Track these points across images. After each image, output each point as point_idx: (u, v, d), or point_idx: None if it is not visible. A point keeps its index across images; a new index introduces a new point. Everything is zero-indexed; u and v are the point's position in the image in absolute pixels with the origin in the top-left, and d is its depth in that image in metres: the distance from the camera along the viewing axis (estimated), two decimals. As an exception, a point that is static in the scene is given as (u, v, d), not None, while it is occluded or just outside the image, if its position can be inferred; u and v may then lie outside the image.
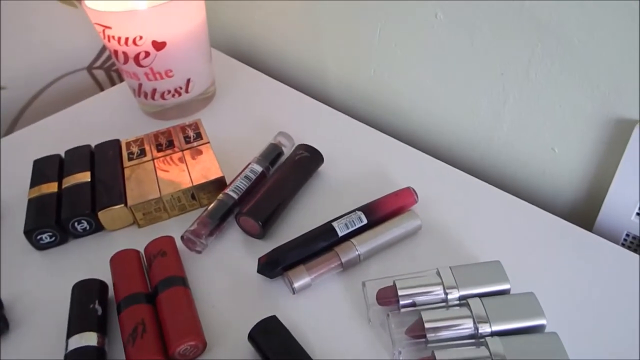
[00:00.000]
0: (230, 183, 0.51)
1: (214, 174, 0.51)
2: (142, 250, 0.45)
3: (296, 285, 0.42)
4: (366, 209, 0.47)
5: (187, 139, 0.56)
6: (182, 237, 0.47)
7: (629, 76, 0.39)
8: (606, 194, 0.45)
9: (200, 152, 0.54)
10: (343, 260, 0.43)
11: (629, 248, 0.46)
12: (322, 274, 0.43)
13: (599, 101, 0.42)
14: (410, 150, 0.56)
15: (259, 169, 0.52)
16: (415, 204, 0.48)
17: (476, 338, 0.36)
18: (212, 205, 0.49)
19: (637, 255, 0.43)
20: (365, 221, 0.46)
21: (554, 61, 0.44)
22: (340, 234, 0.45)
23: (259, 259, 0.44)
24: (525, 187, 0.53)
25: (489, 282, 0.39)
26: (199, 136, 0.56)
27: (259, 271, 0.44)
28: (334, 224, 0.45)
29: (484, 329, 0.36)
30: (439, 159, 0.54)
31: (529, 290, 0.38)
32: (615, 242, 0.46)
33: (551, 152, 0.48)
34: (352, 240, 0.45)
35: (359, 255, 0.44)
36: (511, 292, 0.39)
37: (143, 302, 0.40)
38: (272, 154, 0.55)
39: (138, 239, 0.48)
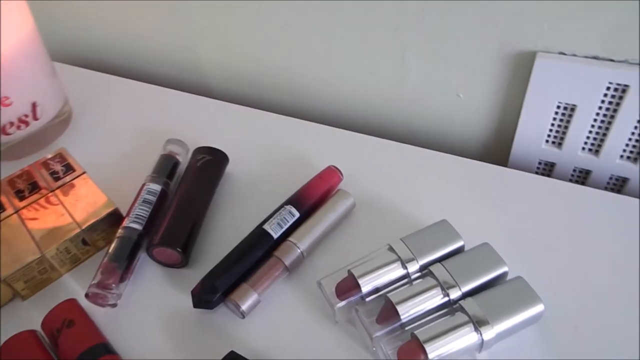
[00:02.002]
0: (128, 213, 0.43)
1: (104, 208, 0.42)
2: (38, 328, 0.36)
3: (244, 307, 0.36)
4: (294, 201, 0.42)
5: (55, 175, 0.46)
6: (86, 295, 0.38)
7: (524, 7, 0.40)
8: (516, 128, 0.46)
9: (77, 187, 0.44)
10: (287, 263, 0.39)
11: (542, 174, 0.49)
12: (268, 286, 0.38)
13: (497, 38, 0.42)
14: (317, 127, 0.52)
15: (157, 188, 0.45)
16: (341, 182, 0.45)
17: (449, 305, 0.35)
18: (112, 245, 0.41)
19: (551, 179, 0.46)
20: (297, 214, 0.41)
21: (447, 6, 0.42)
22: (276, 235, 0.40)
23: (192, 292, 0.37)
24: (438, 138, 0.53)
25: (442, 244, 0.37)
26: (69, 168, 0.46)
27: (195, 305, 0.37)
28: (266, 226, 0.40)
29: (454, 293, 0.35)
30: (348, 129, 0.51)
31: (477, 239, 0.37)
32: (530, 171, 0.47)
33: (457, 99, 0.48)
34: (290, 238, 0.40)
35: (301, 252, 0.40)
36: (465, 247, 0.38)
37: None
38: (167, 166, 0.47)
39: (29, 315, 0.38)
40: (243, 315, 0.37)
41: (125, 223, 0.42)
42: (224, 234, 0.43)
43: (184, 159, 0.49)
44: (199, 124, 0.54)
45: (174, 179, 0.47)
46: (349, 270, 0.37)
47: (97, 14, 0.62)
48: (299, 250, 0.39)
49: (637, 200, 0.42)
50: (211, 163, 0.46)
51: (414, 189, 0.45)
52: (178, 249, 0.39)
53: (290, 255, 0.39)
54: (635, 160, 0.44)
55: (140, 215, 0.42)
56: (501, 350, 0.34)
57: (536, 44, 0.41)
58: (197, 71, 0.62)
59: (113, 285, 0.38)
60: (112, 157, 0.51)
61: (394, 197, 0.45)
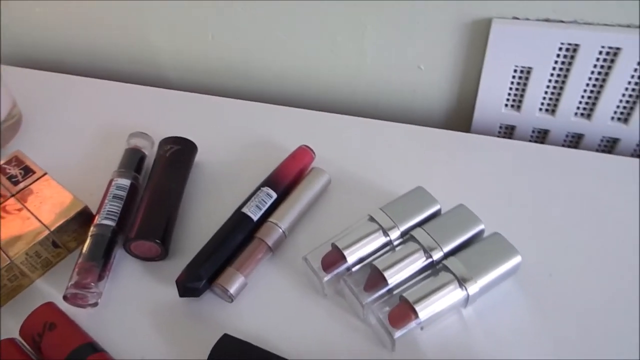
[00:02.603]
0: (98, 210, 0.41)
1: (72, 207, 0.41)
2: (17, 336, 0.34)
3: (232, 290, 0.36)
4: (270, 182, 0.42)
5: (14, 180, 0.43)
6: (64, 297, 0.37)
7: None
8: (477, 95, 0.47)
9: (40, 189, 0.42)
10: (270, 243, 0.39)
11: (504, 136, 0.51)
12: (254, 268, 0.38)
13: (453, 7, 0.43)
14: (283, 110, 0.52)
15: (126, 182, 0.43)
16: (314, 161, 0.45)
17: (433, 266, 0.36)
18: (86, 245, 0.39)
19: (512, 141, 0.48)
20: (274, 195, 0.41)
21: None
22: (256, 218, 0.40)
23: (177, 281, 0.37)
24: (403, 110, 0.54)
25: (420, 209, 0.39)
26: (28, 171, 0.44)
27: (182, 295, 0.37)
28: (244, 210, 0.40)
29: (437, 254, 0.36)
30: (314, 109, 0.51)
31: (452, 202, 0.39)
32: (492, 135, 0.49)
33: (419, 71, 0.49)
34: (270, 219, 0.40)
35: (283, 232, 0.40)
36: (441, 210, 0.39)
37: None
38: (134, 160, 0.46)
39: (4, 324, 0.36)
40: (232, 298, 0.37)
41: (97, 220, 0.40)
42: (201, 223, 0.43)
43: (150, 152, 0.48)
44: (161, 116, 0.52)
45: (142, 172, 0.46)
46: (332, 244, 0.37)
47: (44, 13, 0.59)
48: (280, 230, 0.40)
49: (592, 153, 0.45)
50: (180, 153, 0.45)
51: (385, 162, 0.46)
52: (156, 241, 0.39)
53: (272, 236, 0.39)
54: (588, 116, 0.46)
55: (112, 211, 0.41)
56: (484, 304, 0.36)
57: (491, 11, 0.43)
58: (153, 64, 0.60)
59: (92, 284, 0.37)
60: (73, 157, 0.49)
61: (367, 170, 0.45)
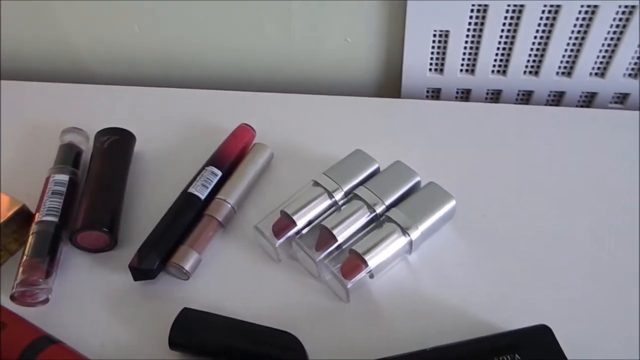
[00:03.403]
0: (38, 208, 0.40)
1: (9, 207, 0.40)
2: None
3: (187, 267, 0.37)
4: (214, 161, 0.43)
5: (-60, 187, 0.41)
6: (12, 297, 0.35)
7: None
8: (402, 62, 0.50)
9: (-28, 193, 0.41)
10: (220, 219, 0.39)
11: (431, 99, 0.54)
12: (207, 244, 0.39)
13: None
14: (219, 94, 0.52)
15: (64, 178, 0.42)
16: (255, 138, 0.46)
17: (377, 219, 0.38)
18: (28, 243, 0.38)
19: (438, 102, 0.51)
20: (219, 173, 0.42)
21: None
22: (203, 196, 0.40)
23: (130, 266, 0.37)
24: (335, 83, 0.56)
25: (361, 169, 0.41)
26: (-45, 177, 0.42)
27: (136, 278, 0.37)
28: (191, 189, 0.40)
29: (380, 208, 0.38)
30: (248, 90, 0.52)
31: (389, 160, 0.41)
32: (421, 99, 0.52)
33: (346, 43, 0.51)
34: (218, 196, 0.41)
35: (232, 207, 0.40)
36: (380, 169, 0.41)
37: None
38: (70, 156, 0.45)
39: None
40: (187, 276, 0.37)
41: (38, 218, 0.39)
42: (148, 209, 0.42)
43: (86, 148, 0.47)
44: (94, 112, 0.51)
45: (80, 168, 0.45)
46: (281, 210, 0.38)
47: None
48: (229, 205, 0.40)
49: (510, 105, 0.49)
50: (118, 143, 0.45)
51: (323, 132, 0.48)
52: (104, 229, 0.38)
53: (221, 212, 0.40)
54: (504, 72, 0.50)
55: (53, 207, 0.40)
56: (427, 249, 0.38)
57: (407, -20, 0.45)
58: (76, 61, 0.58)
59: (39, 280, 0.36)
60: (5, 159, 0.47)
61: (307, 142, 0.47)
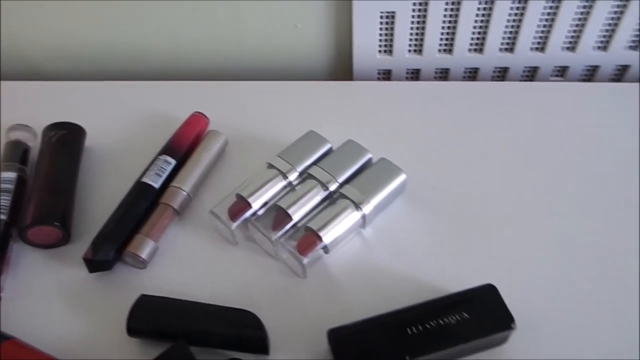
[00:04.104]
0: (-15, 207, 0.39)
1: (-46, 207, 0.38)
2: None
3: (144, 256, 0.37)
4: (167, 150, 0.43)
5: None
6: (-39, 297, 0.35)
7: None
8: (352, 45, 0.51)
9: None
10: (175, 206, 0.39)
11: (382, 79, 0.55)
12: (162, 232, 0.39)
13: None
14: (170, 85, 0.52)
15: (12, 175, 0.41)
16: (208, 127, 0.46)
17: (331, 196, 0.39)
18: (-23, 242, 0.37)
19: (389, 82, 0.52)
20: (173, 162, 0.42)
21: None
22: (157, 185, 0.40)
23: (84, 258, 0.36)
24: (288, 68, 0.56)
25: (314, 149, 0.41)
26: None
27: (91, 270, 0.36)
28: (144, 179, 0.40)
29: (333, 186, 0.39)
30: (200, 80, 0.52)
31: (341, 140, 0.42)
32: (373, 79, 0.54)
33: (296, 29, 0.52)
34: (173, 184, 0.41)
35: (187, 194, 0.40)
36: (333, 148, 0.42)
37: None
38: (17, 153, 0.44)
39: None
40: (144, 264, 0.37)
41: (-15, 216, 0.38)
42: (102, 203, 0.42)
43: (34, 145, 0.46)
44: (40, 109, 0.50)
45: (29, 165, 0.44)
46: (237, 194, 0.39)
47: None
48: (184, 193, 0.40)
49: (457, 83, 0.51)
50: (67, 137, 0.44)
51: (276, 117, 0.48)
52: (55, 224, 0.38)
53: (176, 199, 0.40)
54: (450, 51, 0.52)
55: (3, 206, 0.39)
56: (381, 222, 0.39)
57: (349, -38, 0.46)
58: (22, 58, 0.57)
59: (-9, 278, 0.35)
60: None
61: (261, 128, 0.47)
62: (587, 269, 0.37)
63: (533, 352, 0.33)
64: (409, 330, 0.30)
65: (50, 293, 0.37)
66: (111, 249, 0.36)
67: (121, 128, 0.48)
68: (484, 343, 0.31)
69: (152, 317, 0.33)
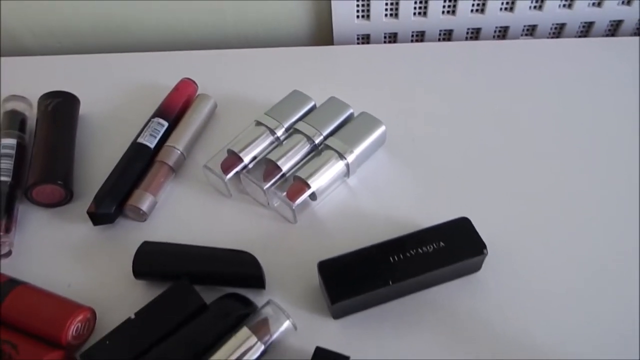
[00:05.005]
0: (-11, 171, 0.41)
1: (-41, 172, 0.40)
2: None
3: (144, 208, 0.39)
4: (160, 113, 0.45)
5: None
6: (-26, 252, 0.37)
7: None
8: (331, 12, 0.53)
9: None
10: (170, 164, 0.42)
11: (362, 43, 0.58)
12: (160, 187, 0.41)
13: None
14: (157, 55, 0.54)
15: (12, 142, 0.43)
16: (197, 92, 0.49)
17: (316, 148, 0.42)
18: (-16, 203, 0.39)
19: (368, 45, 0.55)
20: (166, 123, 0.44)
21: None
22: (152, 145, 0.43)
23: (88, 212, 0.39)
24: (272, 37, 0.58)
25: (298, 107, 0.44)
26: None
27: (96, 223, 0.39)
28: (140, 140, 0.43)
29: (318, 138, 0.41)
30: (183, 49, 0.54)
31: (324, 98, 0.44)
32: (353, 43, 0.56)
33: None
34: (167, 143, 0.43)
35: (181, 153, 0.43)
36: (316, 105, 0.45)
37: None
38: (15, 121, 0.46)
39: None
40: (145, 217, 0.40)
41: (-10, 179, 0.40)
42: (99, 165, 0.44)
43: (30, 115, 0.47)
44: (29, 84, 0.50)
45: (27, 133, 0.46)
46: (228, 149, 0.41)
47: None
48: (178, 151, 0.43)
49: (432, 43, 0.53)
50: (62, 104, 0.46)
51: (262, 81, 0.50)
52: (59, 182, 0.40)
53: (172, 157, 0.42)
54: (425, 14, 0.54)
55: (5, 169, 0.41)
56: (364, 172, 0.42)
57: None
58: (9, 35, 0.58)
59: (0, 234, 0.38)
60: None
61: (247, 92, 0.50)
62: (556, 209, 0.40)
63: (504, 279, 0.36)
64: (391, 259, 0.34)
65: (57, 247, 0.39)
66: (113, 203, 0.39)
67: (112, 97, 0.50)
68: (459, 268, 0.35)
69: (156, 259, 0.36)
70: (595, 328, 0.34)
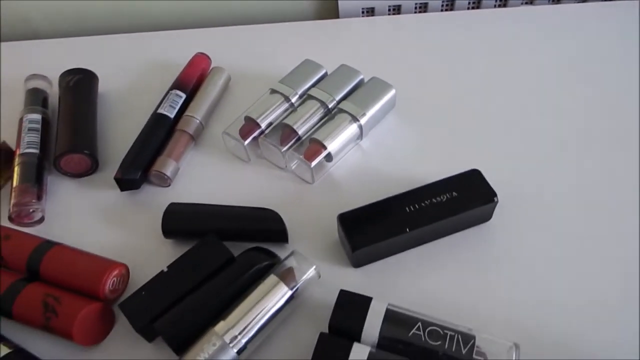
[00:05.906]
0: (17, 145, 0.43)
1: (-11, 146, 0.42)
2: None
3: (168, 173, 0.41)
4: (177, 85, 0.47)
5: None
6: (10, 219, 0.39)
7: None
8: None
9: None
10: (191, 132, 0.44)
11: (367, 15, 0.59)
12: (182, 154, 0.43)
13: None
14: (169, 34, 0.55)
15: (37, 117, 0.45)
16: (211, 66, 0.50)
17: (330, 112, 0.43)
18: (15, 172, 0.41)
19: (374, 17, 0.56)
20: (183, 95, 0.46)
21: None
22: (172, 115, 0.44)
23: (115, 177, 0.40)
24: (278, 13, 0.60)
25: (311, 74, 0.46)
26: None
27: (123, 189, 0.41)
28: (160, 110, 0.44)
29: (331, 103, 0.43)
30: (195, 27, 0.55)
31: (335, 66, 0.46)
32: (358, 16, 0.58)
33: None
34: (186, 113, 0.45)
35: (200, 122, 0.45)
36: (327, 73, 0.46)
37: (26, 284, 0.34)
38: (38, 99, 0.47)
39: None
40: (169, 182, 0.42)
41: (20, 151, 0.42)
42: (120, 139, 0.45)
43: (51, 92, 0.49)
44: (46, 66, 0.52)
45: (49, 109, 0.48)
46: (246, 116, 0.43)
47: None
48: (197, 120, 0.45)
49: (437, 14, 0.55)
50: (83, 80, 0.47)
51: (272, 56, 0.52)
52: (85, 152, 0.42)
53: (191, 126, 0.44)
54: (427, -15, 0.56)
55: (32, 142, 0.43)
56: (377, 135, 0.44)
57: None
58: (23, 20, 0.60)
59: (32, 200, 0.40)
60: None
61: (259, 65, 0.51)
62: (562, 161, 0.42)
63: (514, 227, 0.38)
64: (407, 209, 0.35)
65: (87, 213, 0.41)
66: (138, 169, 0.41)
67: (128, 75, 0.52)
68: (471, 216, 0.37)
69: (183, 218, 0.37)
70: (602, 273, 0.35)
